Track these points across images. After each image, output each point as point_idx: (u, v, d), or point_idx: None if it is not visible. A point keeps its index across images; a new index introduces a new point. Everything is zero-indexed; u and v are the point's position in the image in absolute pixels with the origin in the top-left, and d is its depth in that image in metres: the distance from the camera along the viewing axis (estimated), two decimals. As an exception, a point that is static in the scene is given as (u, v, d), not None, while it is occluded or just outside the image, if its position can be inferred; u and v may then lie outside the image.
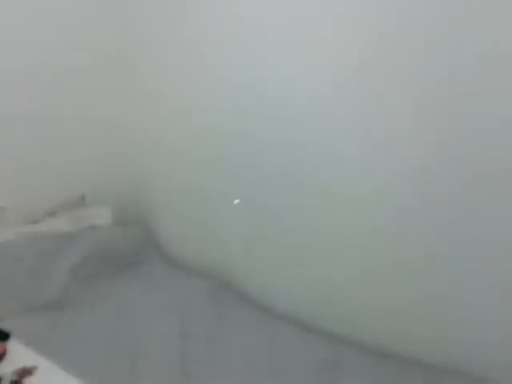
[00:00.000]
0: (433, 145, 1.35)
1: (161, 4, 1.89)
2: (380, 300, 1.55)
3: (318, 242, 1.64)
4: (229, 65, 1.71)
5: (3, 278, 1.66)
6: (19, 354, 1.35)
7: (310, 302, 1.70)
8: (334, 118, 1.51)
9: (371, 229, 1.52)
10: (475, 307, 1.39)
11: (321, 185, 1.59)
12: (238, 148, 1.76)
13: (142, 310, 1.68)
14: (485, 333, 1.39)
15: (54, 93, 1.96)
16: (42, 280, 1.70)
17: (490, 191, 1.32)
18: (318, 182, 1.60)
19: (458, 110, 1.31)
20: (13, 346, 1.37)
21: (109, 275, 1.87)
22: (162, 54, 1.96)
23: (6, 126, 1.82)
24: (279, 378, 1.40)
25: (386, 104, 1.41)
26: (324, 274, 1.65)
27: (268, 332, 1.58)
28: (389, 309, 1.53)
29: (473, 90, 1.28)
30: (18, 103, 1.84)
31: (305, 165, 1.61)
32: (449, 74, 1.30)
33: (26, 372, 1.26)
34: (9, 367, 1.28)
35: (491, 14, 1.22)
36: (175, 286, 1.82)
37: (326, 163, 1.56)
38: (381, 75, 1.39)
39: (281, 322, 1.64)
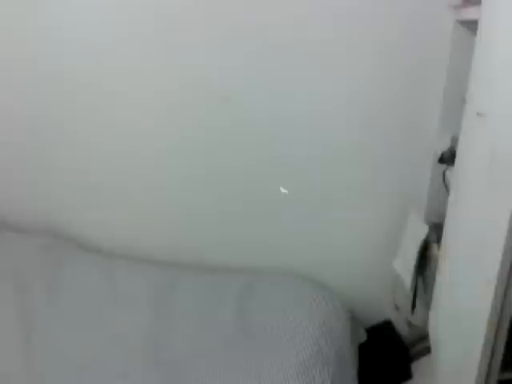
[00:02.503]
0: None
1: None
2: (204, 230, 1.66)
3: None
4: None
5: None
6: None
7: (148, 239, 1.72)
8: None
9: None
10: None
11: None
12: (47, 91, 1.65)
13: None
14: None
15: None
16: None
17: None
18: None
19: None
20: None
21: None
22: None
23: None
24: (120, 308, 1.47)
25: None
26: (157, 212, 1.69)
27: (107, 272, 1.59)
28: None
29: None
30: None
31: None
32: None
33: None
34: None
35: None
36: (6, 249, 1.69)
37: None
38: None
39: (120, 262, 1.65)
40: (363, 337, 1.50)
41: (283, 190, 1.54)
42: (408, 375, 1.42)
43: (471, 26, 1.29)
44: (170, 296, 1.51)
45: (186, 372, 1.27)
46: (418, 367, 1.42)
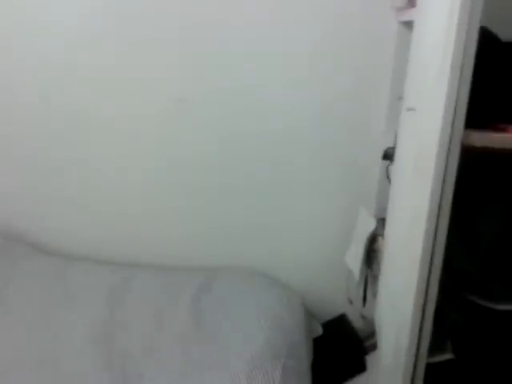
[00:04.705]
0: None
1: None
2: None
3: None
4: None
5: None
6: None
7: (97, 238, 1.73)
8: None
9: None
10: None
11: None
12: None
13: None
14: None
15: None
16: None
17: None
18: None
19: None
20: None
21: None
22: None
23: None
24: (72, 308, 1.46)
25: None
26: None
27: (60, 272, 1.59)
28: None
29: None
30: None
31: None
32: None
33: None
34: None
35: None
36: None
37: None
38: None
39: (74, 262, 1.65)
40: (318, 331, 1.53)
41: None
42: (362, 368, 1.44)
43: (412, 27, 1.35)
44: (124, 296, 1.51)
45: (138, 369, 1.28)
46: (372, 360, 1.45)
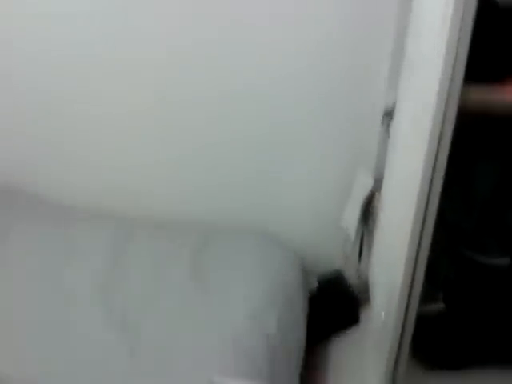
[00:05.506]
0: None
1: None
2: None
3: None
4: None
5: None
6: None
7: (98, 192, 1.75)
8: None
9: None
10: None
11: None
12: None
13: None
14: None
15: None
16: None
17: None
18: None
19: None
20: None
21: None
22: None
23: None
24: (72, 258, 1.48)
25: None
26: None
27: (61, 223, 1.61)
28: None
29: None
30: None
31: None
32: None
33: None
34: None
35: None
36: None
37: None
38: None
39: (75, 214, 1.67)
40: (314, 285, 1.58)
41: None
42: (356, 320, 1.50)
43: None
44: (124, 247, 1.54)
45: (138, 320, 1.32)
46: (365, 313, 1.50)
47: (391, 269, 1.09)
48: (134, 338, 1.26)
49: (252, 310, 1.34)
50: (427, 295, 1.06)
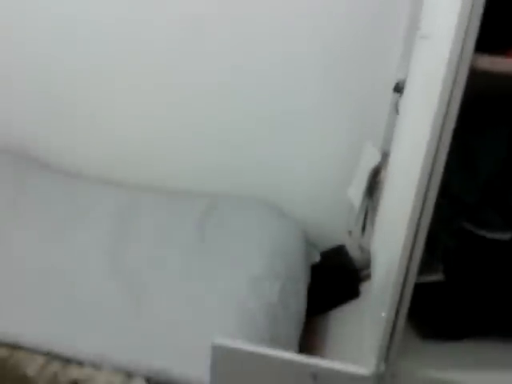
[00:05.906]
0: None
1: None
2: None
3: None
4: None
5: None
6: None
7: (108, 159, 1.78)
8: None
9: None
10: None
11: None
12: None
13: None
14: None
15: None
16: None
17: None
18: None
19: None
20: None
21: None
22: None
23: None
24: (81, 223, 1.52)
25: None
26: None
27: (70, 190, 1.65)
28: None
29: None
30: None
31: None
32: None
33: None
34: None
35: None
36: None
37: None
38: None
39: (83, 181, 1.71)
40: (316, 258, 1.60)
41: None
42: (356, 294, 1.51)
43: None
44: (132, 212, 1.58)
45: (144, 280, 1.36)
46: (366, 287, 1.51)
47: (392, 240, 1.10)
48: (140, 292, 1.30)
49: (255, 278, 1.37)
50: (427, 266, 1.07)
